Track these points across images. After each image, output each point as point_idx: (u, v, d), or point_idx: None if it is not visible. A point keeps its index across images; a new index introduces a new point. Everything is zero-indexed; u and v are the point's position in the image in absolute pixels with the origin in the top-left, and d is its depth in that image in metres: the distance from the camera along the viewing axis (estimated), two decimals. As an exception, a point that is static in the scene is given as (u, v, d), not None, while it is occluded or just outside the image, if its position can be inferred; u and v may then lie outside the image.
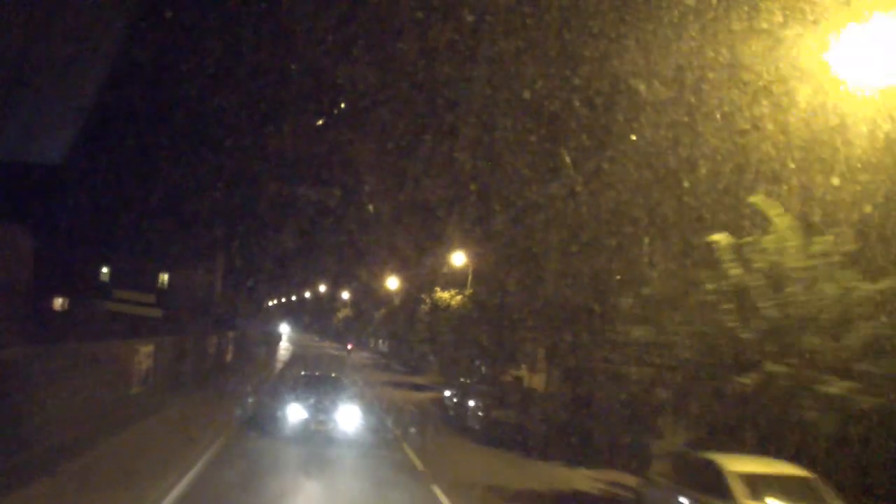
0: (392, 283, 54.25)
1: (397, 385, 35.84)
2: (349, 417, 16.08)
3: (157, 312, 20.07)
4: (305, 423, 15.75)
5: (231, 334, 36.41)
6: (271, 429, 16.24)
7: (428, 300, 38.80)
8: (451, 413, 23.18)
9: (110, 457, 12.00)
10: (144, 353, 18.40)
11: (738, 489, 8.74)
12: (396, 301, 53.80)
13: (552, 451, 16.87)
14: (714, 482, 9.08)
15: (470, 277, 34.85)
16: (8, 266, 30.74)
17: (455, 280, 37.38)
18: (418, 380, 39.80)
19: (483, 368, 32.44)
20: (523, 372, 30.50)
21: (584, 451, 16.82)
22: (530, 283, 24.60)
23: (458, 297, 35.40)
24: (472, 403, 21.02)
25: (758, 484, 8.85)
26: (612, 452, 16.49)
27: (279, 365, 42.44)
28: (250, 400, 21.42)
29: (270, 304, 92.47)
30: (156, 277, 45.84)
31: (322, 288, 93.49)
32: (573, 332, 20.92)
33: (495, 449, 17.52)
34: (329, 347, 72.38)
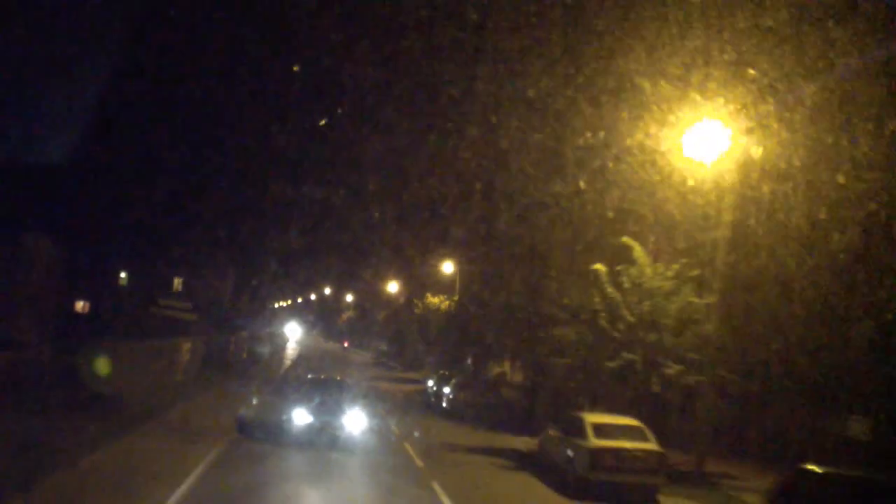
0: (392, 287, 59.18)
1: (392, 380, 40.81)
2: (354, 421, 16.20)
3: (192, 317, 24.82)
4: (310, 426, 15.80)
5: (245, 334, 41.40)
6: (275, 431, 16.13)
7: (420, 304, 43.86)
8: (432, 399, 28.13)
9: (180, 418, 17.14)
10: (185, 349, 23.43)
11: (590, 431, 13.67)
12: (401, 300, 58.21)
13: (503, 424, 21.79)
14: (578, 428, 14.00)
15: (458, 283, 39.64)
16: (40, 273, 35.28)
17: (448, 284, 42.08)
18: (412, 375, 44.71)
19: (472, 364, 37.28)
20: (506, 366, 35.32)
21: (529, 424, 21.71)
22: (532, 283, 25.28)
23: (447, 303, 40.41)
24: (446, 390, 26.03)
25: (604, 428, 13.78)
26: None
27: (287, 363, 47.28)
28: (255, 401, 20.90)
29: (276, 305, 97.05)
30: (171, 282, 50.55)
31: (327, 290, 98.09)
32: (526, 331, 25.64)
33: (458, 422, 22.47)
34: (332, 346, 77.70)
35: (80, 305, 42.34)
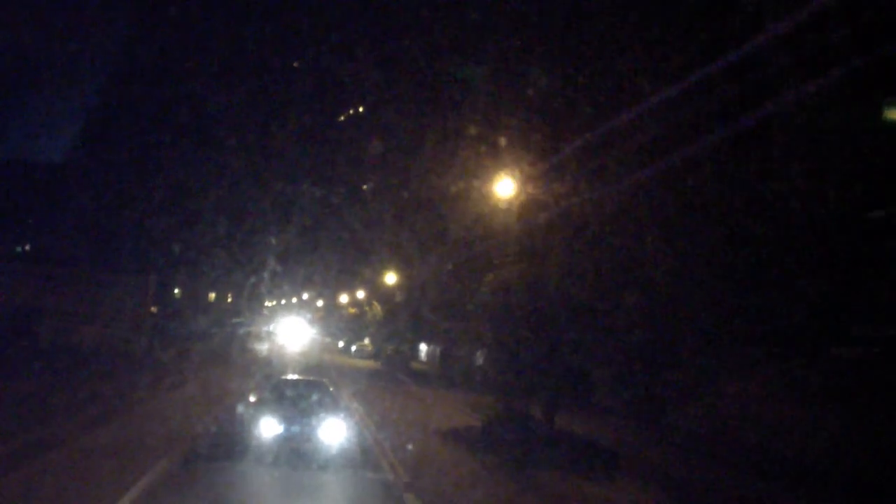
0: (343, 298, 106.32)
1: (334, 343, 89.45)
2: (333, 432, 14.36)
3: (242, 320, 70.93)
4: (279, 439, 14.17)
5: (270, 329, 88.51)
6: (242, 442, 14.95)
7: (358, 308, 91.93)
8: (350, 352, 76.52)
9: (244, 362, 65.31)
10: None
11: (357, 346, 63.16)
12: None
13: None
14: (361, 341, 63.45)
15: (366, 297, 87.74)
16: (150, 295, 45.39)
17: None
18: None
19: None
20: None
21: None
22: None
23: (353, 309, 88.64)
24: (342, 344, 74.87)
25: (361, 346, 63.36)
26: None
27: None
28: (239, 409, 18.34)
29: (272, 304, 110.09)
30: (207, 296, 74.16)
31: (305, 296, 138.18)
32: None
33: (355, 359, 70.21)
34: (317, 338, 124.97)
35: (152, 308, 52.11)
